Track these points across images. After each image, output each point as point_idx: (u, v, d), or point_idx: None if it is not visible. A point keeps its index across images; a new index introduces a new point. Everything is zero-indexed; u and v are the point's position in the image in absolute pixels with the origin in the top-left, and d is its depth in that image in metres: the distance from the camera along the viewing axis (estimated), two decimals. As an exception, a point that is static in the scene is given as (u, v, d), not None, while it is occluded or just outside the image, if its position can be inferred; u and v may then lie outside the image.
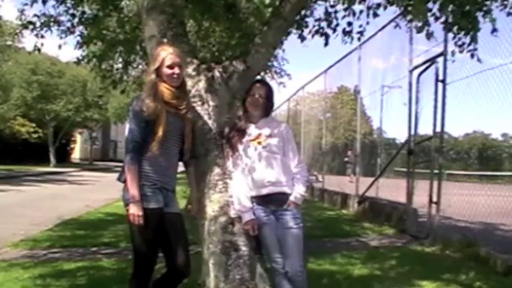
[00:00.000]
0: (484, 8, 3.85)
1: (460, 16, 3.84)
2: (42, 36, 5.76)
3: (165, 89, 2.54)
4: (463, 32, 4.13)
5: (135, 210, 2.41)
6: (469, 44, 4.25)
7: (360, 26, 4.88)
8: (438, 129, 5.99)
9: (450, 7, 3.80)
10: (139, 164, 2.48)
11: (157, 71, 2.55)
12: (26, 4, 5.56)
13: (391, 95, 8.33)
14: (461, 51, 4.40)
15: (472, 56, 4.33)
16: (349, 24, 4.80)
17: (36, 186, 14.27)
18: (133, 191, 2.43)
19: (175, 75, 2.55)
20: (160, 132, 2.46)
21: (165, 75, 2.55)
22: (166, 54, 2.56)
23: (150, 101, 2.48)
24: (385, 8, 4.40)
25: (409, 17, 4.02)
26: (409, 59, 6.90)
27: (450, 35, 4.61)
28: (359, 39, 5.06)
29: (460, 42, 4.31)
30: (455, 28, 4.20)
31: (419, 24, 4.09)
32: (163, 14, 3.10)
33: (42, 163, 26.91)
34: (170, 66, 2.54)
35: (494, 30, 4.13)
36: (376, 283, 4.03)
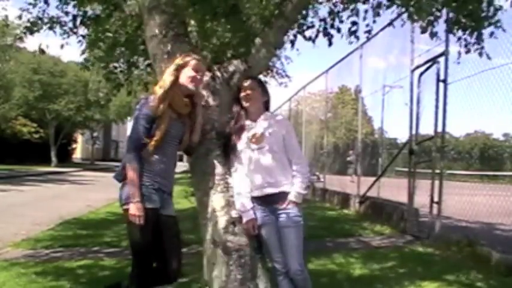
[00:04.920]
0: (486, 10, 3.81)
1: (463, 15, 3.81)
2: (31, 33, 5.74)
3: (176, 96, 2.57)
4: (468, 31, 4.09)
5: (135, 210, 2.41)
6: (475, 44, 4.21)
7: (367, 25, 4.83)
8: (439, 129, 5.98)
9: (454, 5, 3.77)
10: (140, 164, 2.48)
11: (178, 71, 2.58)
12: (30, 4, 5.55)
13: (393, 94, 8.32)
14: (467, 52, 4.33)
15: (480, 54, 4.26)
16: (354, 23, 4.76)
17: (37, 186, 14.29)
18: (134, 190, 2.43)
19: (197, 78, 2.62)
20: (157, 137, 2.48)
21: (189, 76, 2.58)
22: (196, 60, 2.62)
23: (161, 101, 2.51)
24: (388, 7, 4.37)
25: (415, 17, 3.97)
26: (411, 59, 6.89)
27: (452, 34, 4.59)
28: (368, 38, 4.94)
29: (465, 43, 4.27)
30: (457, 28, 4.17)
31: (424, 24, 4.05)
32: (165, 14, 3.10)
33: (44, 163, 26.97)
34: (196, 70, 2.61)
35: (491, 34, 4.08)
36: (377, 283, 4.03)
